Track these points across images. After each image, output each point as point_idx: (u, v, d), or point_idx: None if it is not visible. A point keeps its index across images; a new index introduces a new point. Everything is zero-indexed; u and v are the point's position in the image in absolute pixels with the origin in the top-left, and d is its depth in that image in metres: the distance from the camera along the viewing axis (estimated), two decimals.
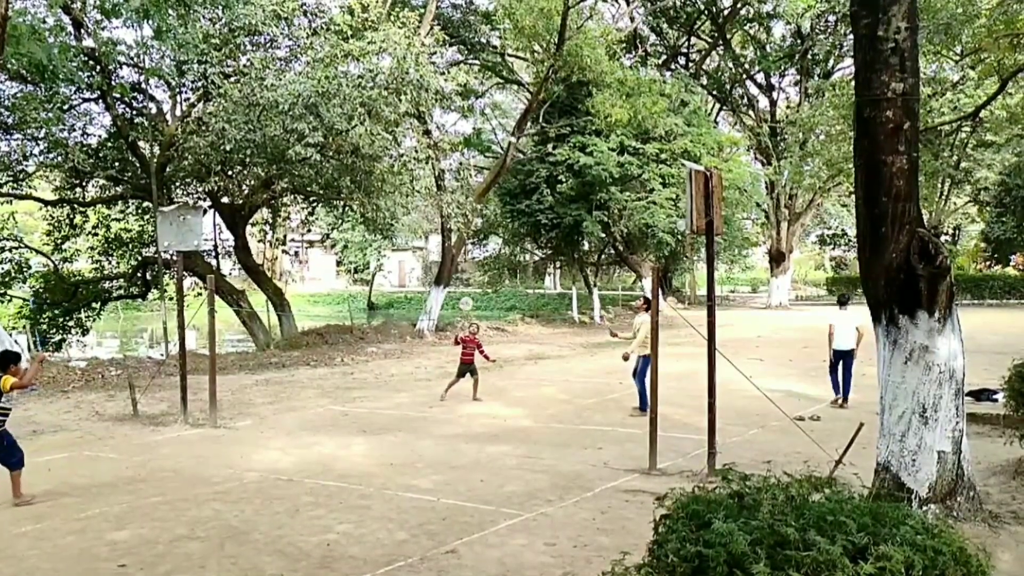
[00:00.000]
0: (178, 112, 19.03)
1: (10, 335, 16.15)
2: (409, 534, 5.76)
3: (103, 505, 6.60)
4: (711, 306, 7.47)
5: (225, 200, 20.72)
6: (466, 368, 11.92)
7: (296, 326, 22.03)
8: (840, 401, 11.25)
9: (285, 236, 30.51)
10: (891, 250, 5.67)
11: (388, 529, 5.88)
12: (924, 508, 5.43)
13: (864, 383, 11.59)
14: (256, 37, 17.65)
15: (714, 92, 36.98)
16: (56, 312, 21.05)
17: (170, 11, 12.51)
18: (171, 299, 18.14)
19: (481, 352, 12.12)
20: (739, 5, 32.08)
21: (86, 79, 16.24)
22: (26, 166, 19.04)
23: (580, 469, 7.68)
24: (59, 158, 18.41)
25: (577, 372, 15.63)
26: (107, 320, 28.74)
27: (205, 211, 19.70)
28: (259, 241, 27.95)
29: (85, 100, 18.45)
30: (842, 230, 46.93)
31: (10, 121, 16.50)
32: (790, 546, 2.71)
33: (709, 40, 36.10)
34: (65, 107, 17.35)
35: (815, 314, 25.72)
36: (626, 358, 10.89)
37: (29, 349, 18.73)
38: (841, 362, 11.27)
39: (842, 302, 11.88)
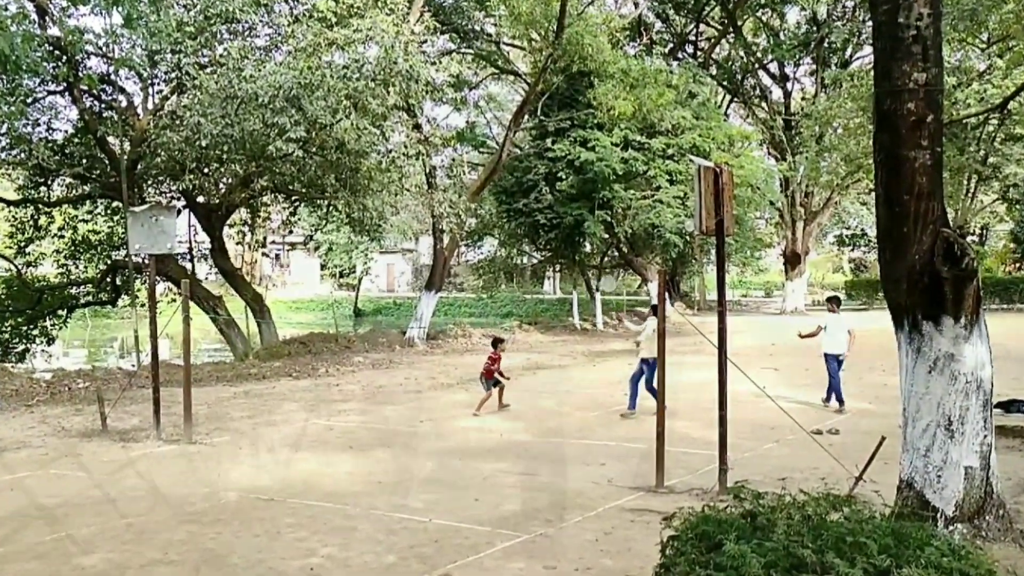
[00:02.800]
0: (150, 105, 19.02)
1: None
2: (398, 557, 5.75)
3: (70, 527, 6.58)
4: (722, 311, 7.48)
5: (201, 199, 20.71)
6: (489, 382, 12.11)
7: (277, 334, 22.00)
8: (825, 401, 11.95)
9: (265, 238, 30.47)
10: (914, 251, 5.68)
11: (376, 552, 5.86)
12: (950, 528, 5.43)
13: (886, 394, 11.64)
14: (234, 25, 17.64)
15: (724, 83, 37.08)
16: (19, 320, 20.99)
17: None
18: (143, 306, 18.08)
19: (488, 368, 12.14)
20: None
21: (51, 70, 16.22)
22: None
23: (582, 487, 7.68)
24: (22, 155, 18.38)
25: (578, 382, 15.63)
26: (74, 328, 28.65)
27: (179, 211, 19.69)
28: (237, 243, 27.90)
29: (50, 93, 18.44)
30: (862, 230, 47.03)
31: None
32: (807, 569, 2.71)
33: (719, 27, 36.22)
34: (29, 100, 17.32)
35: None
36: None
37: None
38: (834, 365, 11.75)
39: (834, 304, 12.39)
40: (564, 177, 24.18)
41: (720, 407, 7.34)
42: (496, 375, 12.10)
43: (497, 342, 12.81)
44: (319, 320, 39.65)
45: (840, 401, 11.75)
